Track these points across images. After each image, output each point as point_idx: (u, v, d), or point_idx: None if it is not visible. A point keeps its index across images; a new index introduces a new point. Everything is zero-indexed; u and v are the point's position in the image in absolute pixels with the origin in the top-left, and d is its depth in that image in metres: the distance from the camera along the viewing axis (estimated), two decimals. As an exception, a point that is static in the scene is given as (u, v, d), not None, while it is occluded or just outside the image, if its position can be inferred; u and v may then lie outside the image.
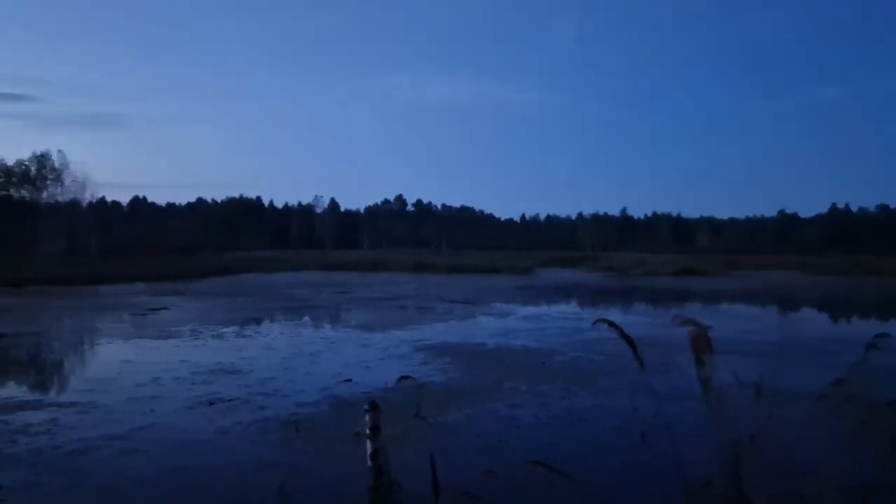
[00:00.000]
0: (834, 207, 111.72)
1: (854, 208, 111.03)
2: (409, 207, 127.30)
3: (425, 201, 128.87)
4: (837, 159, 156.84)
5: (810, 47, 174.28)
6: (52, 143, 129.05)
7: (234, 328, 16.67)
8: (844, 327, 19.68)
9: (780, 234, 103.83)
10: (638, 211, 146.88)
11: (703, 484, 3.06)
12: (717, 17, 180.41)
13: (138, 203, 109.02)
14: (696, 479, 3.29)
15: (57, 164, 61.22)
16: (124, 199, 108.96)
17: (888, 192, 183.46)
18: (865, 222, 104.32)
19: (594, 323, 2.92)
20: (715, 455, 3.12)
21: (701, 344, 2.83)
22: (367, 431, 4.06)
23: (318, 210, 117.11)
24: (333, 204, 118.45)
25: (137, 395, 9.21)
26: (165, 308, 21.55)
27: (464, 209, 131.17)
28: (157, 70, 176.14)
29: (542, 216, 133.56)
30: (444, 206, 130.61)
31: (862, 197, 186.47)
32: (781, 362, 10.68)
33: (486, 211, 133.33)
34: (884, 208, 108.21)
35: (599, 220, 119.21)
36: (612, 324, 2.79)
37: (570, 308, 24.46)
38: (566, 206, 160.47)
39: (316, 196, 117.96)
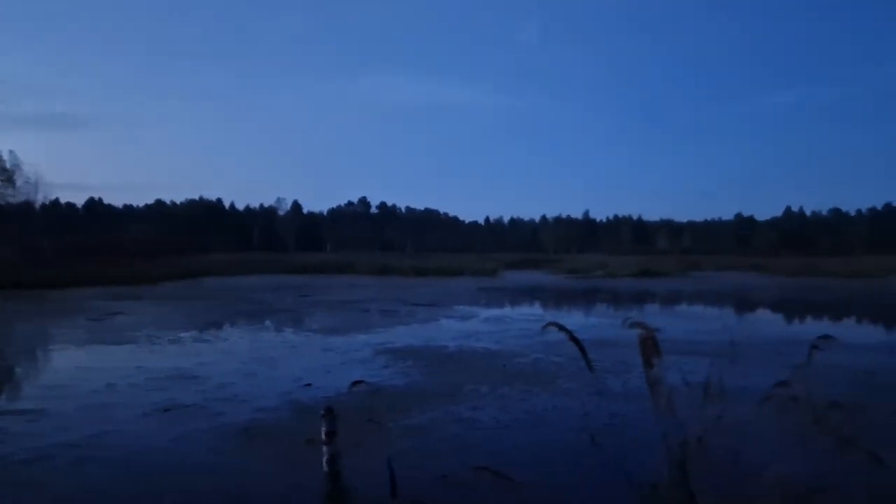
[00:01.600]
0: (788, 210, 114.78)
1: (808, 211, 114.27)
2: (373, 210, 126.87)
3: (389, 203, 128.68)
4: (792, 163, 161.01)
5: (765, 53, 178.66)
6: (3, 143, 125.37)
7: (192, 333, 16.39)
8: (796, 327, 20.19)
9: (737, 237, 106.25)
10: (600, 213, 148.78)
11: (653, 485, 3.12)
12: (676, 23, 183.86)
13: (94, 205, 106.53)
14: (648, 480, 3.35)
15: (8, 165, 59.26)
16: (79, 200, 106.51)
17: (840, 195, 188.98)
18: (818, 225, 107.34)
19: (544, 327, 2.95)
20: (665, 456, 3.18)
21: (649, 347, 2.89)
22: (323, 437, 4.04)
23: (281, 212, 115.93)
24: (296, 206, 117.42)
25: (91, 402, 8.99)
26: (122, 313, 21.10)
27: (428, 211, 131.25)
28: (113, 70, 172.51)
29: (506, 218, 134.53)
30: (408, 208, 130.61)
31: (815, 200, 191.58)
32: (733, 362, 10.91)
33: (451, 213, 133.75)
34: (836, 211, 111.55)
35: (562, 223, 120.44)
36: (561, 327, 2.83)
37: (532, 310, 24.61)
38: (530, 208, 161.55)
39: (278, 198, 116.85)
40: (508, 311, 23.21)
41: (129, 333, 16.04)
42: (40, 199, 61.38)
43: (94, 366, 11.90)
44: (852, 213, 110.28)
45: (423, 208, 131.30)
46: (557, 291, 34.58)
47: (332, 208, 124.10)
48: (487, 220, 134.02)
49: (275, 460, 6.50)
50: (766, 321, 21.99)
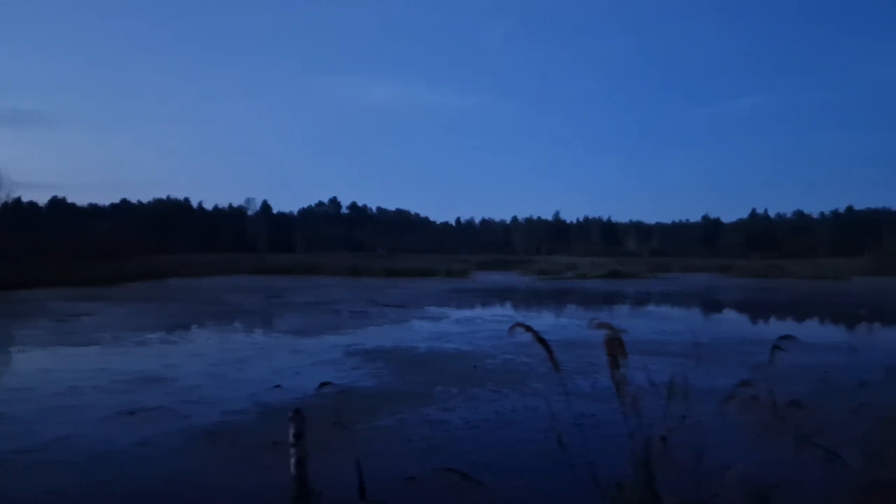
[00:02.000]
0: (754, 213, 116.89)
1: (772, 214, 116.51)
2: (344, 210, 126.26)
3: (360, 204, 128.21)
4: (757, 167, 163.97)
5: (730, 58, 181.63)
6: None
7: (159, 334, 16.14)
8: (760, 328, 20.60)
9: (704, 238, 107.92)
10: (570, 215, 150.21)
11: (619, 485, 3.17)
12: (645, 27, 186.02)
13: (58, 204, 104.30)
14: (614, 480, 3.39)
15: (-32, 163, 57.75)
16: (42, 199, 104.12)
17: (803, 198, 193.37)
18: (783, 227, 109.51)
19: (511, 328, 2.98)
20: (630, 456, 3.22)
21: (615, 347, 2.93)
22: (291, 439, 4.02)
23: (250, 212, 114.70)
24: (266, 206, 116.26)
25: (54, 405, 8.81)
26: (87, 314, 20.69)
27: (399, 212, 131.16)
28: (78, 67, 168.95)
29: (477, 220, 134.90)
30: (379, 209, 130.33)
31: (780, 203, 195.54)
32: (699, 362, 11.09)
33: (422, 214, 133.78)
34: (799, 214, 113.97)
35: (533, 224, 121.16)
36: (528, 328, 2.86)
37: (503, 311, 24.73)
38: (501, 209, 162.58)
39: (247, 198, 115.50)
40: (479, 313, 23.29)
41: (94, 335, 15.75)
42: (2, 197, 59.97)
43: (57, 368, 11.66)
44: (815, 215, 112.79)
45: (394, 209, 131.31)
46: (528, 293, 34.79)
47: (303, 209, 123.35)
48: (459, 220, 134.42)
49: (241, 463, 6.44)
50: (731, 321, 22.38)
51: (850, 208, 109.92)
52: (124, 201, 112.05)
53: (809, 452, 3.68)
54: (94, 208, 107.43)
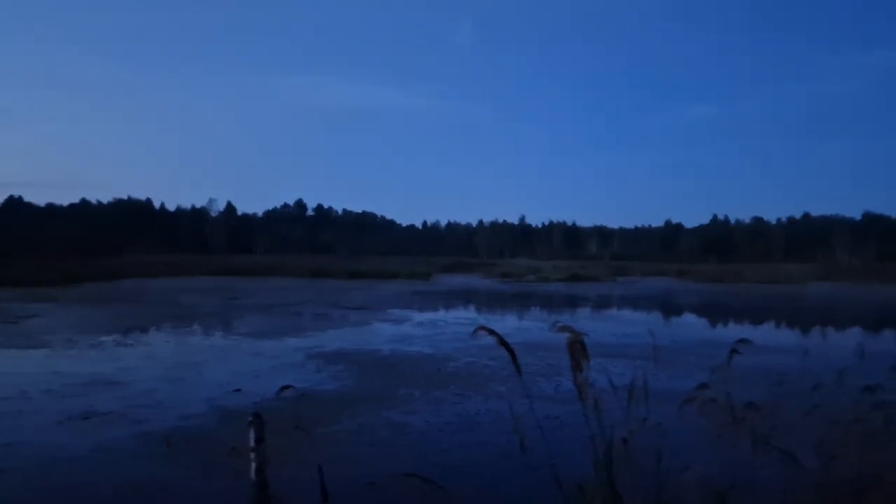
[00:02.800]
0: (714, 218, 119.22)
1: (732, 219, 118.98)
2: (309, 212, 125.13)
3: (326, 206, 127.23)
4: (720, 173, 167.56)
5: (692, 67, 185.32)
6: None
7: (114, 337, 15.74)
8: (718, 331, 20.98)
9: (665, 243, 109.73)
10: (536, 219, 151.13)
11: (580, 487, 3.17)
12: (609, 34, 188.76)
13: (14, 203, 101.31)
14: (576, 481, 3.40)
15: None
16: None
17: (762, 204, 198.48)
18: (741, 232, 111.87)
19: (474, 331, 2.96)
20: (592, 457, 3.24)
21: (577, 350, 2.93)
22: (251, 444, 3.94)
23: (213, 213, 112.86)
24: (229, 207, 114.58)
25: (2, 410, 8.52)
26: (39, 315, 20.10)
27: (365, 214, 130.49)
28: (36, 63, 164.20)
29: (443, 223, 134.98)
30: (344, 210, 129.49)
31: (740, 209, 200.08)
32: (658, 365, 11.24)
33: (388, 217, 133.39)
34: (757, 219, 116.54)
35: (498, 228, 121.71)
36: (491, 331, 2.84)
37: (465, 314, 24.76)
38: (467, 213, 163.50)
39: (210, 199, 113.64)
40: (442, 315, 23.27)
41: (45, 337, 15.30)
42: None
43: (6, 371, 11.31)
44: (773, 221, 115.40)
45: (359, 211, 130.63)
46: (491, 295, 34.92)
47: (267, 210, 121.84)
48: (425, 223, 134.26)
49: (200, 469, 6.30)
50: (689, 325, 22.74)
51: (806, 215, 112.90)
52: (83, 201, 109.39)
53: (766, 454, 3.74)
54: (51, 208, 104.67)
